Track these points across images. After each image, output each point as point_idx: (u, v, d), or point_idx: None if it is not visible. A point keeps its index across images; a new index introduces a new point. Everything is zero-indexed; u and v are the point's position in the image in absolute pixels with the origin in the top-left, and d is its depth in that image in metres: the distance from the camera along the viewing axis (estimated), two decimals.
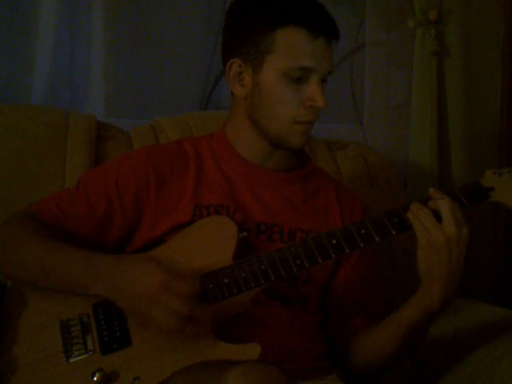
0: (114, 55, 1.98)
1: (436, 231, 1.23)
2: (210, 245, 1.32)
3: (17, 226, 1.36)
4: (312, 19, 1.35)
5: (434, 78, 2.15)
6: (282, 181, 1.47)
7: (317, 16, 1.36)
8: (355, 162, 1.95)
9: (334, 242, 1.27)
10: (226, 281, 1.26)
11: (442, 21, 2.15)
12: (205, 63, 2.10)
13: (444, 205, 1.24)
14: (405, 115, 2.20)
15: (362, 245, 1.27)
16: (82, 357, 1.25)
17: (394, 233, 1.27)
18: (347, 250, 1.27)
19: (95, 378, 1.20)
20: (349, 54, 2.21)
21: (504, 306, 1.70)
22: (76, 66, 1.96)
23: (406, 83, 2.20)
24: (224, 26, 1.45)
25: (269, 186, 1.45)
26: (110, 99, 1.99)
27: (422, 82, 2.15)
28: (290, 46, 1.34)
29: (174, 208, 1.39)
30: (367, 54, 2.21)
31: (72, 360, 1.25)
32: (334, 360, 1.45)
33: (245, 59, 1.39)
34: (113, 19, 1.96)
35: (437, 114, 2.15)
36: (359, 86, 2.22)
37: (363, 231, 1.27)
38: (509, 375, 1.36)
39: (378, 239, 1.27)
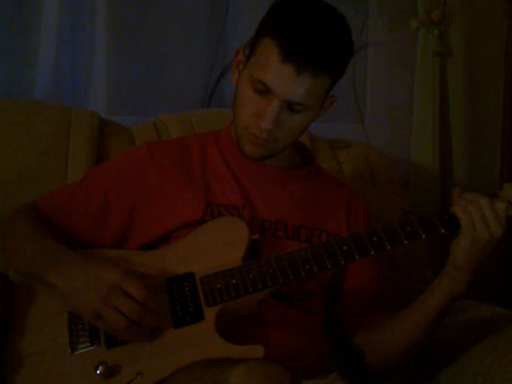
0: (116, 52, 1.98)
1: (483, 229, 1.25)
2: (221, 245, 1.32)
3: (15, 216, 1.39)
4: (291, 42, 1.28)
5: (436, 77, 2.15)
6: (286, 177, 1.47)
7: (299, 42, 1.29)
8: (357, 161, 1.95)
9: (345, 248, 1.26)
10: (234, 282, 1.26)
11: (445, 21, 2.15)
12: (207, 61, 2.10)
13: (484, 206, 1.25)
14: (407, 115, 2.20)
15: (372, 252, 1.27)
16: (87, 349, 1.25)
17: (406, 242, 1.27)
18: (357, 257, 1.27)
19: (98, 371, 1.21)
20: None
21: (504, 306, 1.70)
22: (78, 62, 1.97)
23: (408, 83, 2.20)
24: None
25: (273, 182, 1.46)
26: (112, 96, 1.99)
27: (425, 82, 2.15)
28: (263, 57, 1.32)
29: (182, 204, 1.39)
30: (370, 54, 2.21)
31: (77, 352, 1.26)
32: (335, 358, 1.45)
33: (248, 52, 1.39)
34: (115, 16, 1.97)
35: (439, 113, 2.15)
36: (362, 85, 2.22)
37: (375, 239, 1.27)
38: (509, 376, 1.36)
39: (389, 247, 1.26)
